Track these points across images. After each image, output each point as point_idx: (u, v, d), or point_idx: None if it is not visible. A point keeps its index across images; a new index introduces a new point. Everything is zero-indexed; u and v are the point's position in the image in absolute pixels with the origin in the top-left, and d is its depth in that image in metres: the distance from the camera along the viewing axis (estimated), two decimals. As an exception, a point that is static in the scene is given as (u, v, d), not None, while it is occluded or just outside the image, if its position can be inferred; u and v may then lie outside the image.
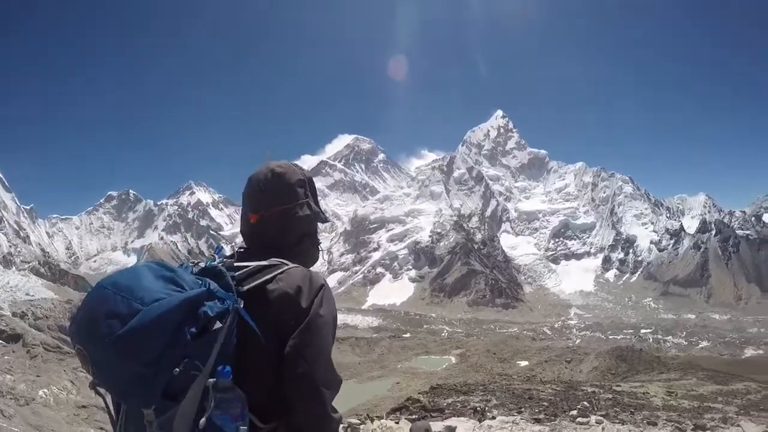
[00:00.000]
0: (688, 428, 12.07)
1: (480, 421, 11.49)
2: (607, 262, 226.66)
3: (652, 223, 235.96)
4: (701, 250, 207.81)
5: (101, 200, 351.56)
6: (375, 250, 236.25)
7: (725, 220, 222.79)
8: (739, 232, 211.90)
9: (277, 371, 1.59)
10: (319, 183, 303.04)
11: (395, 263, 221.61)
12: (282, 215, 1.85)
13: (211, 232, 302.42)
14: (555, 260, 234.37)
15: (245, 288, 1.62)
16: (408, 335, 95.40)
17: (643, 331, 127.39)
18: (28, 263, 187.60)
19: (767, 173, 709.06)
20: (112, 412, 1.57)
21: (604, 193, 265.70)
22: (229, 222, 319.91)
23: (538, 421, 12.70)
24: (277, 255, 1.77)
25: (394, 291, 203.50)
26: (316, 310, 1.65)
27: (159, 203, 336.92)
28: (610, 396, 20.40)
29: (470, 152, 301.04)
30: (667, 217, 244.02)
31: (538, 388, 23.42)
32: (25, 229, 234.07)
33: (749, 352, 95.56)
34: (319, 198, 2.04)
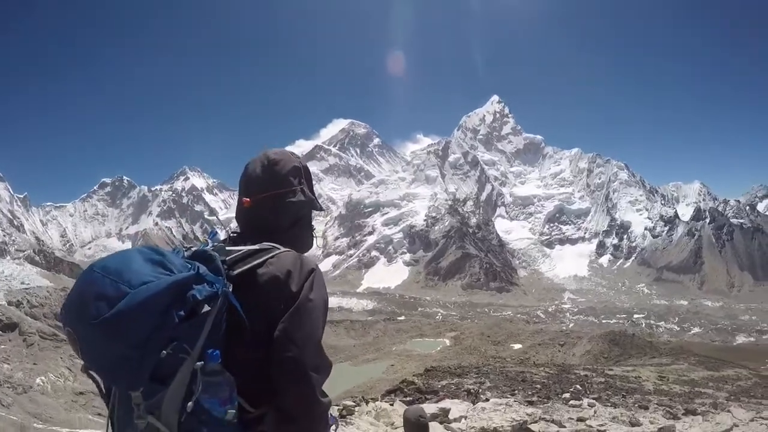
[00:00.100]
0: (679, 413, 12.24)
1: (474, 403, 11.58)
2: (601, 248, 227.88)
3: (647, 210, 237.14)
4: (695, 237, 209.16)
5: (95, 187, 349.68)
6: (370, 233, 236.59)
7: (720, 209, 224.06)
8: (733, 220, 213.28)
9: (267, 356, 1.58)
10: (314, 167, 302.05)
11: (390, 247, 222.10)
12: (275, 199, 1.86)
13: (206, 216, 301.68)
14: (549, 245, 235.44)
15: (236, 272, 1.61)
16: (402, 318, 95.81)
17: (636, 316, 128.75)
18: (23, 252, 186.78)
19: (762, 163, 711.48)
20: (105, 395, 1.57)
21: (600, 179, 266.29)
22: (223, 207, 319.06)
23: (531, 403, 12.85)
24: (270, 240, 1.77)
25: (389, 274, 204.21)
26: (306, 294, 1.65)
27: (153, 189, 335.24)
28: (603, 379, 20.60)
29: (466, 137, 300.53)
30: (661, 204, 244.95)
31: (531, 371, 23.62)
32: (19, 218, 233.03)
33: (741, 339, 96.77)
34: (314, 182, 2.03)
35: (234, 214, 1.99)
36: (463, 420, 9.54)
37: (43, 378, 12.70)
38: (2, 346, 15.27)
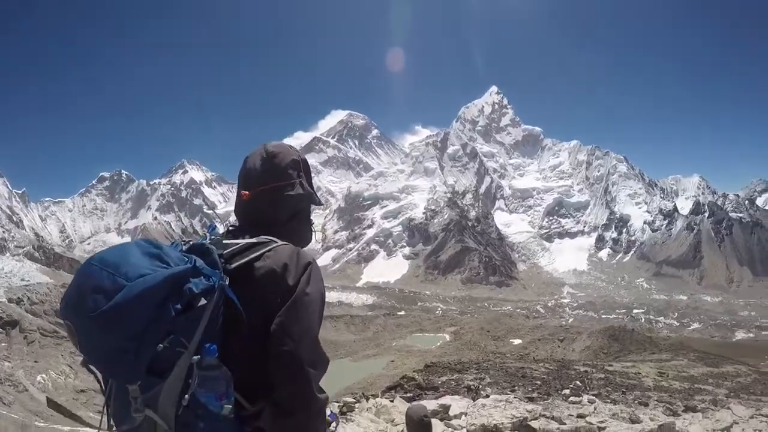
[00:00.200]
0: (679, 409, 12.28)
1: (474, 399, 11.61)
2: (600, 241, 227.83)
3: (646, 203, 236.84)
4: (694, 231, 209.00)
5: (93, 181, 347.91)
6: (369, 227, 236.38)
7: (719, 203, 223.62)
8: (732, 214, 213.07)
9: (264, 350, 1.57)
10: (313, 159, 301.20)
11: (389, 240, 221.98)
12: (273, 192, 1.86)
13: (205, 210, 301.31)
14: (549, 238, 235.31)
15: (233, 265, 1.61)
16: (402, 313, 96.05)
17: (635, 311, 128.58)
18: (22, 248, 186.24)
19: (761, 157, 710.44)
20: (104, 388, 1.58)
21: (599, 171, 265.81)
22: (222, 200, 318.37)
23: (531, 399, 12.88)
24: (269, 233, 1.76)
25: (389, 268, 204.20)
26: (302, 288, 1.64)
27: (152, 183, 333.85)
28: (603, 375, 20.68)
29: (464, 128, 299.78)
30: (660, 197, 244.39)
31: (531, 366, 23.71)
32: (17, 214, 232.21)
33: (740, 335, 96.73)
34: (312, 175, 2.03)
35: (233, 208, 1.99)
36: (463, 416, 9.56)
37: (44, 375, 12.69)
38: (3, 344, 15.26)
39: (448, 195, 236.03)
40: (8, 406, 9.70)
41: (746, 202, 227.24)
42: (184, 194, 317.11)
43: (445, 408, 9.87)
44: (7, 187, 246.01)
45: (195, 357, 1.40)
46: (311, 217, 2.04)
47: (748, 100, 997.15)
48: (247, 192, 1.85)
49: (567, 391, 14.22)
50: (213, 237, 1.73)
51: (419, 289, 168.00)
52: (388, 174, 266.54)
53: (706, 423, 9.19)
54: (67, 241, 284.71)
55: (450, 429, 8.74)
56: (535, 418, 9.54)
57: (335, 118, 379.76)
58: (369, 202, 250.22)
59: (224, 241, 1.69)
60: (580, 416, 10.36)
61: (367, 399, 11.44)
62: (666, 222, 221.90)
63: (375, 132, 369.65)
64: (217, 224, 1.97)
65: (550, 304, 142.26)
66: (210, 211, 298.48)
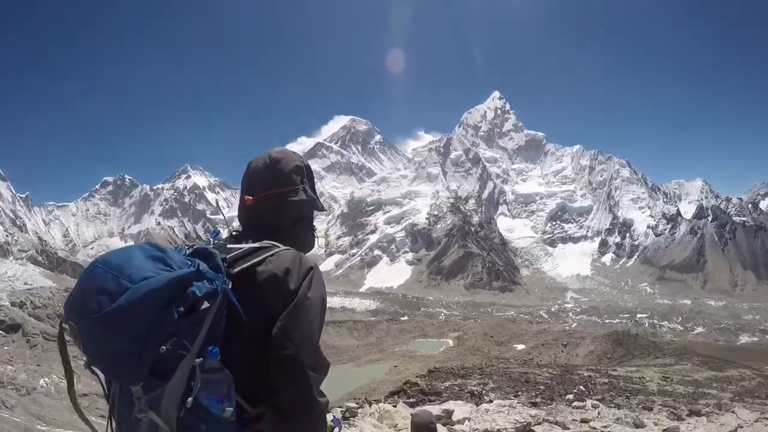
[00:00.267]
0: (683, 414, 12.22)
1: (477, 404, 11.61)
2: (603, 246, 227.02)
3: (649, 208, 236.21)
4: (698, 235, 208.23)
5: (97, 186, 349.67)
6: (372, 232, 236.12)
7: (722, 206, 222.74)
8: (735, 218, 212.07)
9: (265, 354, 1.59)
10: (316, 165, 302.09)
11: (392, 246, 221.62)
12: (277, 198, 1.88)
13: (208, 215, 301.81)
14: (552, 243, 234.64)
15: (236, 270, 1.62)
16: (405, 318, 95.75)
17: (639, 315, 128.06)
18: (26, 252, 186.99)
19: (765, 161, 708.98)
20: (106, 391, 1.59)
21: (601, 176, 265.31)
22: (226, 205, 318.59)
23: (534, 404, 12.85)
24: (271, 238, 1.78)
25: (392, 274, 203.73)
26: (304, 292, 1.65)
27: (155, 188, 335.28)
28: (606, 380, 20.60)
29: (467, 134, 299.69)
30: (664, 201, 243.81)
31: (534, 371, 23.64)
32: (21, 218, 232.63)
33: (744, 338, 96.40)
34: (316, 180, 2.06)
35: (235, 213, 2.04)
36: (466, 422, 9.55)
37: (46, 379, 12.69)
38: (6, 348, 15.28)
39: (451, 200, 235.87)
40: (11, 409, 9.70)
41: (749, 205, 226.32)
42: (187, 199, 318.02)
43: (449, 413, 9.87)
44: (11, 191, 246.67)
45: (197, 359, 1.41)
46: (314, 223, 2.06)
47: (750, 102, 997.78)
48: (250, 197, 1.88)
49: (570, 396, 14.18)
50: (216, 241, 1.73)
51: (422, 294, 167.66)
52: (391, 179, 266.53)
53: (710, 427, 9.15)
54: (70, 245, 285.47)
55: (453, 433, 8.71)
56: (539, 423, 9.52)
57: (338, 123, 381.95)
58: (372, 207, 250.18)
59: (228, 246, 1.71)
60: (584, 421, 10.33)
61: (370, 404, 11.41)
62: (669, 226, 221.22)
63: (378, 137, 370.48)
64: (220, 229, 1.97)
65: (553, 309, 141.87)
66: (214, 217, 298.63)
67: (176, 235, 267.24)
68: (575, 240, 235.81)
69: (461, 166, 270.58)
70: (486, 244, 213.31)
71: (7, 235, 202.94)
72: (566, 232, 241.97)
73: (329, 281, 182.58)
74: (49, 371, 13.41)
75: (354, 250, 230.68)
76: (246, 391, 1.56)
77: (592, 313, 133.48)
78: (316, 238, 2.07)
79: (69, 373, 1.59)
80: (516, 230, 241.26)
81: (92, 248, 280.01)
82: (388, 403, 11.63)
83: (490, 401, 11.92)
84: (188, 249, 1.65)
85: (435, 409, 9.72)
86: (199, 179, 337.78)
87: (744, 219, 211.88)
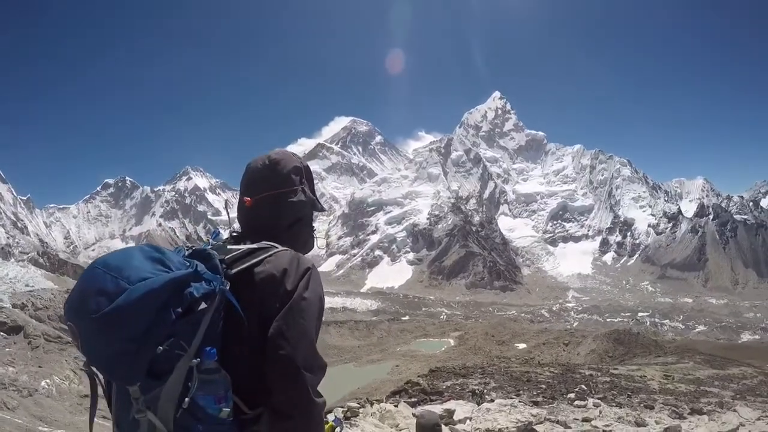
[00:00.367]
0: (685, 412, 12.20)
1: (479, 404, 11.59)
2: (604, 245, 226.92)
3: (650, 207, 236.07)
4: (699, 234, 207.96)
5: (98, 188, 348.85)
6: (373, 233, 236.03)
7: (723, 205, 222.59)
8: (736, 216, 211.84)
9: (262, 354, 1.59)
10: (317, 166, 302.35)
11: (393, 246, 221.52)
12: (275, 199, 1.88)
13: (210, 217, 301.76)
14: (553, 242, 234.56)
15: (234, 270, 1.63)
16: (407, 318, 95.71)
17: (640, 314, 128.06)
18: (27, 254, 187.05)
19: (766, 159, 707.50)
20: (107, 391, 1.60)
21: (602, 175, 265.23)
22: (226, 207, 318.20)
23: (536, 404, 12.83)
24: (270, 239, 1.78)
25: (393, 274, 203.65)
26: (300, 293, 1.65)
27: (156, 189, 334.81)
28: (608, 379, 20.56)
29: (468, 134, 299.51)
30: (665, 200, 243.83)
31: (536, 370, 23.61)
32: (22, 220, 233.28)
33: (746, 336, 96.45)
34: (316, 181, 1.92)
35: (236, 214, 2.03)
36: (468, 421, 9.54)
37: (48, 381, 12.68)
38: (7, 349, 15.29)
39: (452, 200, 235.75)
40: (12, 411, 9.70)
41: (750, 203, 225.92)
42: (188, 201, 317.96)
43: (450, 413, 9.86)
44: (12, 194, 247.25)
45: (194, 360, 1.42)
46: (313, 224, 2.06)
47: (750, 101, 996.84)
48: (249, 198, 1.88)
49: (572, 395, 14.16)
50: (216, 242, 1.73)
51: (423, 294, 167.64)
52: (391, 180, 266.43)
53: (712, 425, 9.14)
54: (71, 247, 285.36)
55: (454, 433, 8.71)
56: (540, 422, 9.52)
57: (339, 124, 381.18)
58: (373, 208, 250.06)
59: (227, 247, 1.70)
60: (586, 420, 10.32)
61: (372, 404, 11.38)
62: (670, 225, 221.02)
63: (378, 138, 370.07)
64: (221, 230, 1.97)
65: (554, 308, 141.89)
66: (215, 218, 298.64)
67: (177, 237, 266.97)
68: (576, 239, 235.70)
69: (462, 166, 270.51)
70: (487, 243, 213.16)
71: (8, 238, 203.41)
72: (567, 231, 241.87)
73: (330, 281, 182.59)
74: (50, 372, 13.39)
75: (355, 251, 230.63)
76: (244, 391, 1.56)
77: (593, 312, 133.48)
78: (315, 239, 2.07)
79: (93, 407, 1.59)
80: (517, 230, 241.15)
81: (93, 250, 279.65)
82: (390, 403, 11.61)
83: (492, 400, 11.91)
84: (188, 250, 1.65)
85: (437, 409, 9.72)
86: (200, 181, 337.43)
87: (745, 217, 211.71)
